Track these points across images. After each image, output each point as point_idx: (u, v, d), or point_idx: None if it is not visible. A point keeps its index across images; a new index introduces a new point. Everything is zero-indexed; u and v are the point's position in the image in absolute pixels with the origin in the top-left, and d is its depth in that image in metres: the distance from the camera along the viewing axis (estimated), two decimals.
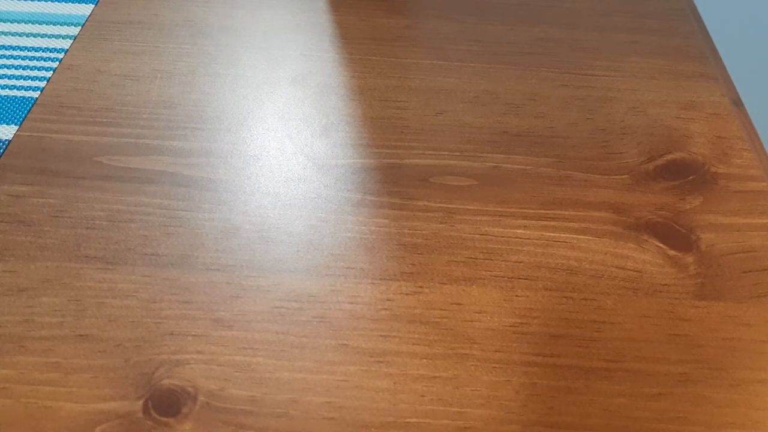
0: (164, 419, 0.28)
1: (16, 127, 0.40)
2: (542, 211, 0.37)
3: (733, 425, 0.29)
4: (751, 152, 0.41)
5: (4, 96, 0.42)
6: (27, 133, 0.39)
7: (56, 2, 0.49)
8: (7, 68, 0.44)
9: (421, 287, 0.33)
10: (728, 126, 0.43)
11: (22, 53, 0.45)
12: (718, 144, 0.42)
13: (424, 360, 0.30)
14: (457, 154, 0.40)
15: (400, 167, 0.39)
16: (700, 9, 0.53)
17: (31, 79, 0.43)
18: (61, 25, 0.47)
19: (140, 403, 0.29)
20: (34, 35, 0.46)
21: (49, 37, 0.46)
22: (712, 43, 0.50)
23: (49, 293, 0.32)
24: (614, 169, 0.40)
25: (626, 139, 0.42)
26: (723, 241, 0.36)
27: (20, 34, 0.46)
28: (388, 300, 0.32)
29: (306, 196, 0.37)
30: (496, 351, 0.31)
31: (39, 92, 0.42)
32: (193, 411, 0.29)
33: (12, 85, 0.42)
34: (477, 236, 0.35)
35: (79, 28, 0.47)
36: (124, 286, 0.32)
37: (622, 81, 0.46)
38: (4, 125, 0.40)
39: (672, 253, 0.35)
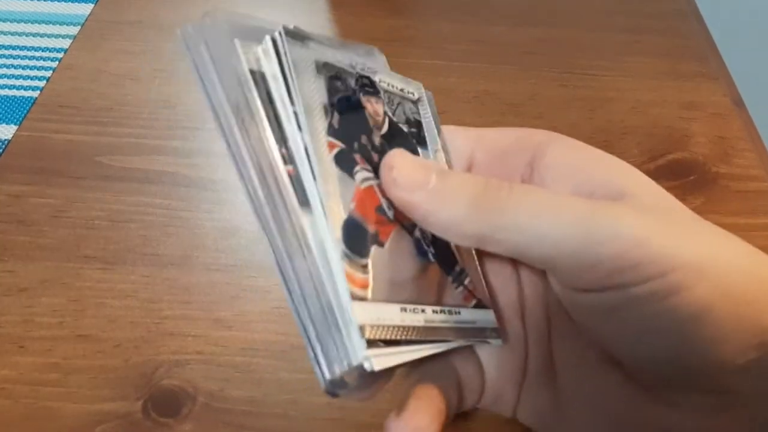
0: (164, 420, 0.28)
1: (16, 127, 0.39)
2: None
3: None
4: (753, 152, 0.41)
5: (4, 96, 0.42)
6: (27, 133, 0.39)
7: (56, 2, 0.49)
8: (7, 68, 0.44)
9: None
10: (729, 126, 0.43)
11: (21, 53, 0.45)
12: (719, 144, 0.42)
13: None
14: None
15: None
16: (700, 9, 0.53)
17: (31, 79, 0.43)
18: (60, 24, 0.47)
19: (140, 403, 0.29)
20: (34, 35, 0.46)
21: (48, 37, 0.46)
22: (713, 42, 0.50)
23: (49, 293, 0.32)
24: None
25: (627, 139, 0.42)
26: None
27: (20, 34, 0.46)
28: None
29: None
30: None
31: (38, 92, 0.42)
32: (193, 411, 0.29)
33: (12, 85, 0.42)
34: None
35: (79, 27, 0.46)
36: (124, 286, 0.32)
37: (623, 81, 0.45)
38: (4, 125, 0.40)
39: None
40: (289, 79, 0.18)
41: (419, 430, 0.18)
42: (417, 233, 0.20)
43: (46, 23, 0.47)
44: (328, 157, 0.18)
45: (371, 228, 0.18)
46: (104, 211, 0.36)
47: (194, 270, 0.33)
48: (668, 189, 0.21)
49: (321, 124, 0.18)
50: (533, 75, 0.45)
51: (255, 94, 0.18)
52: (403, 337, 0.18)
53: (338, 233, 0.17)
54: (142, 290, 0.32)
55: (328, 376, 0.17)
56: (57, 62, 0.44)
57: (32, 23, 0.47)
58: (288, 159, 0.18)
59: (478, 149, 0.22)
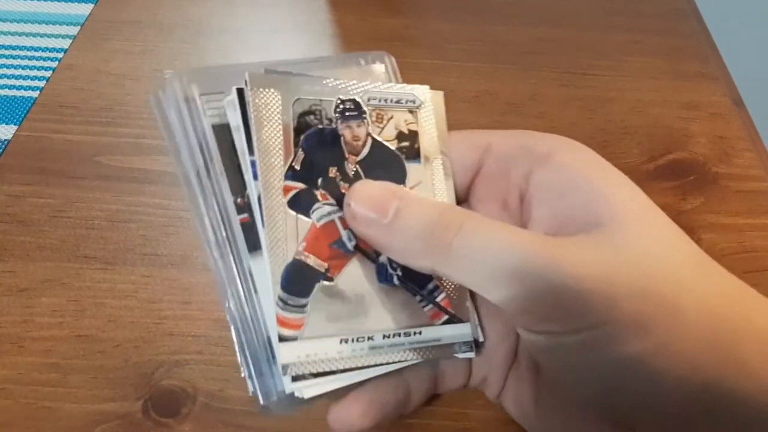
0: (164, 420, 0.28)
1: (16, 127, 0.39)
2: None
3: None
4: (752, 152, 0.41)
5: (4, 96, 0.42)
6: (26, 133, 0.39)
7: (56, 2, 0.49)
8: (7, 68, 0.44)
9: None
10: (729, 126, 0.43)
11: (21, 53, 0.45)
12: (719, 144, 0.42)
13: None
14: None
15: None
16: (700, 9, 0.53)
17: (31, 79, 0.43)
18: (60, 24, 0.47)
19: (140, 403, 0.29)
20: (34, 35, 0.46)
21: (48, 37, 0.46)
22: (713, 42, 0.50)
23: (49, 293, 0.32)
24: None
25: (627, 139, 0.42)
26: (724, 241, 0.36)
27: (20, 34, 0.46)
28: None
29: None
30: None
31: (38, 92, 0.42)
32: (193, 411, 0.28)
33: (11, 85, 0.42)
34: None
35: (79, 27, 0.46)
36: (124, 287, 0.32)
37: (623, 81, 0.45)
38: (4, 125, 0.40)
39: None
40: (252, 129, 0.19)
41: (350, 417, 0.20)
42: (383, 258, 0.21)
43: (46, 23, 0.47)
44: (281, 202, 0.19)
45: (321, 265, 0.20)
46: (104, 211, 0.35)
47: (194, 270, 0.33)
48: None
49: (278, 170, 0.19)
50: (533, 75, 0.45)
51: (215, 148, 0.19)
52: (339, 367, 0.19)
53: (277, 279, 0.19)
54: (142, 290, 0.32)
55: (262, 402, 0.19)
56: (57, 62, 0.44)
57: (32, 23, 0.47)
58: (245, 207, 0.19)
59: (486, 156, 0.22)
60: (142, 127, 0.40)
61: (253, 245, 0.19)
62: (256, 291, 0.19)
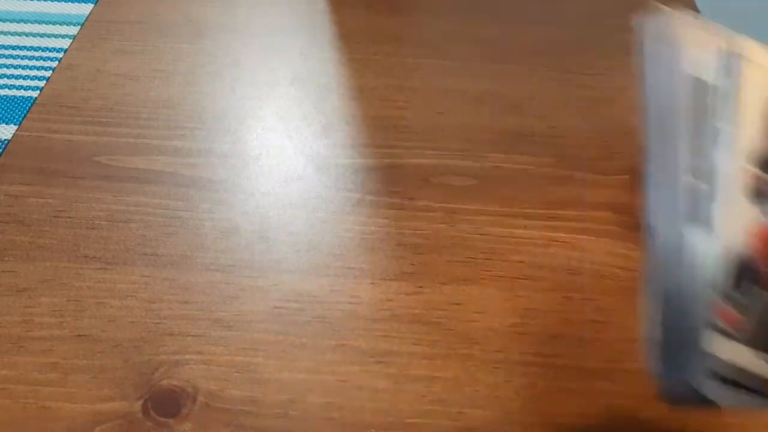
0: (164, 419, 0.28)
1: (16, 127, 0.39)
2: (543, 211, 0.37)
3: (732, 425, 0.29)
4: None
5: (4, 96, 0.42)
6: (26, 133, 0.39)
7: (56, 2, 0.49)
8: (7, 68, 0.44)
9: (421, 287, 0.33)
10: None
11: (21, 53, 0.45)
12: None
13: (424, 360, 0.30)
14: (458, 153, 0.40)
15: (400, 167, 0.39)
16: (700, 9, 0.52)
17: (31, 79, 0.43)
18: (60, 24, 0.47)
19: (140, 403, 0.29)
20: (34, 35, 0.46)
21: (48, 37, 0.46)
22: None
23: (48, 293, 0.32)
24: (615, 169, 0.39)
25: (627, 139, 0.42)
26: None
27: (20, 34, 0.46)
28: (388, 300, 0.32)
29: (306, 196, 0.37)
30: (496, 351, 0.31)
31: (38, 92, 0.42)
32: (193, 411, 0.29)
33: (11, 85, 0.42)
34: (477, 236, 0.35)
35: (79, 27, 0.46)
36: (124, 287, 0.32)
37: (623, 81, 0.45)
38: (4, 125, 0.40)
39: None
40: (736, 100, 0.18)
41: None
42: None
43: (46, 23, 0.47)
44: (743, 184, 0.17)
45: (763, 268, 0.17)
46: (104, 211, 0.36)
47: (194, 270, 0.33)
48: None
49: (746, 149, 0.18)
50: (533, 75, 0.45)
51: (686, 102, 0.18)
52: (753, 386, 0.17)
53: (724, 266, 0.17)
54: (142, 290, 0.32)
55: (665, 392, 0.17)
56: (57, 62, 0.44)
57: (32, 23, 0.47)
58: (692, 170, 0.17)
59: None
60: (142, 127, 0.40)
61: (691, 215, 0.17)
62: (688, 266, 0.17)
